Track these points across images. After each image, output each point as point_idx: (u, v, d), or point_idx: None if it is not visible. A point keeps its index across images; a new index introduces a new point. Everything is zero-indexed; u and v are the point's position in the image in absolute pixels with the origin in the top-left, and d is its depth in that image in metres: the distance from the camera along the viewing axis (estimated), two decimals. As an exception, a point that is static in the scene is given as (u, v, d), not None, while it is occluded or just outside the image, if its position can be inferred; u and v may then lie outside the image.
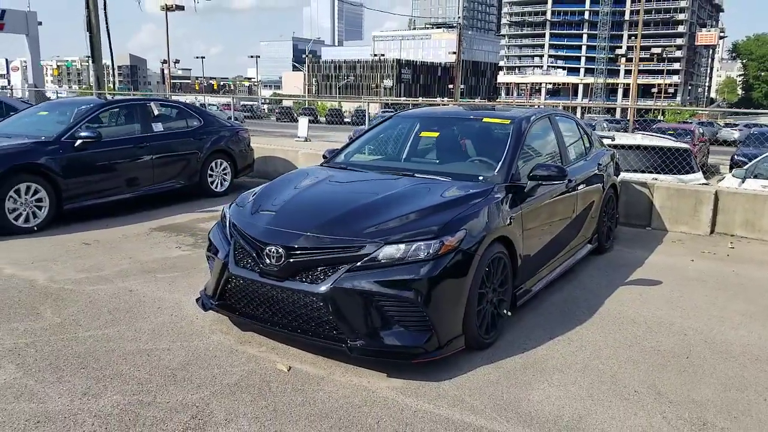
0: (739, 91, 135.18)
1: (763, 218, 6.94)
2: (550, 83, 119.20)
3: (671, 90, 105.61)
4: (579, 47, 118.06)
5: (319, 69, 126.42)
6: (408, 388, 3.30)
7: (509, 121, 4.84)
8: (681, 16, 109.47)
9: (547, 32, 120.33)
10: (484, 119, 5.08)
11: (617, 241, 6.74)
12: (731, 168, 14.42)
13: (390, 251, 3.35)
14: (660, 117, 41.66)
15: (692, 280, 5.45)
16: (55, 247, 6.04)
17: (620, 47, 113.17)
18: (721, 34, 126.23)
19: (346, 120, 49.15)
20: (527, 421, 3.01)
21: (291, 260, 3.44)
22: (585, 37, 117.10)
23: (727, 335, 4.19)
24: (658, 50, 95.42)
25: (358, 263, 3.34)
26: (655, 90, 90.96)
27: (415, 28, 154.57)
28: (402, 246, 3.36)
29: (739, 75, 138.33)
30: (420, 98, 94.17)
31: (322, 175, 4.53)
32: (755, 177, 9.02)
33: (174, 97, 18.69)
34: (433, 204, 3.74)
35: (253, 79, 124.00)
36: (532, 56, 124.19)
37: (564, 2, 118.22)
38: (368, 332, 3.33)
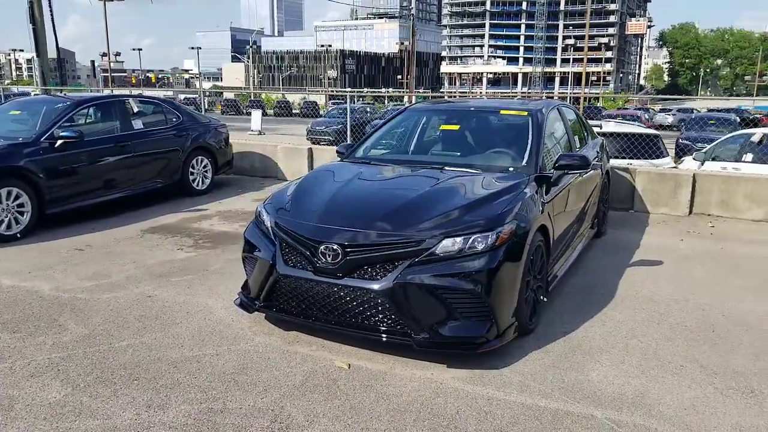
0: (666, 78, 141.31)
1: (736, 198, 7.38)
2: (491, 73, 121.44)
3: (608, 78, 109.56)
4: (518, 37, 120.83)
5: (260, 60, 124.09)
6: (472, 378, 3.37)
7: (526, 112, 4.96)
8: (612, 6, 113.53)
9: (487, 22, 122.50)
10: (502, 111, 5.18)
11: (608, 224, 7.01)
12: (677, 151, 15.14)
13: (448, 245, 3.40)
14: (599, 104, 43.24)
15: (688, 259, 5.74)
16: (46, 255, 5.77)
17: (556, 37, 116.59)
18: (649, 24, 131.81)
19: (294, 112, 48.61)
20: (596, 401, 3.13)
21: (349, 258, 3.43)
22: (523, 27, 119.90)
23: (739, 308, 4.46)
24: (604, 40, 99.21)
25: (418, 258, 3.37)
26: (594, 78, 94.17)
27: (357, 18, 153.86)
28: (459, 239, 3.41)
29: (666, 62, 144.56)
30: (365, 89, 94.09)
31: (352, 171, 4.51)
32: (714, 159, 9.51)
33: (107, 92, 17.94)
34: (480, 196, 3.81)
35: (191, 71, 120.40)
36: (473, 46, 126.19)
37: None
38: (432, 325, 3.37)
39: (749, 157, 8.82)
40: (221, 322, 4.14)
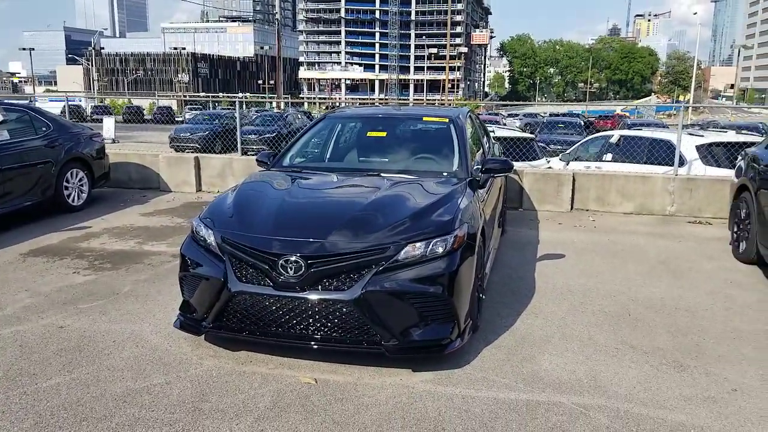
0: (507, 85, 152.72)
1: (610, 194, 8.24)
2: (349, 79, 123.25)
3: (457, 86, 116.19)
4: (373, 45, 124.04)
5: (102, 62, 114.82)
6: (440, 379, 3.44)
7: (447, 119, 5.15)
8: (458, 18, 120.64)
9: (343, 29, 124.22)
10: (424, 118, 5.32)
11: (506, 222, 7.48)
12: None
13: (410, 250, 3.43)
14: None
15: (585, 251, 6.31)
16: None
17: (409, 45, 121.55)
18: (491, 35, 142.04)
19: (146, 118, 45.69)
20: (558, 389, 3.34)
21: (313, 270, 3.34)
22: (377, 35, 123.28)
23: (643, 293, 4.99)
24: (461, 50, 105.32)
25: (383, 265, 3.38)
26: (449, 85, 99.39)
27: (208, 21, 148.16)
28: (420, 244, 3.46)
29: (506, 71, 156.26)
30: (220, 93, 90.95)
31: (289, 180, 4.39)
32: (577, 159, 10.54)
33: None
34: (430, 202, 3.88)
35: (19, 74, 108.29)
36: (330, 52, 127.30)
37: (356, 1, 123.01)
38: (401, 331, 3.39)
39: (609, 156, 9.86)
40: (158, 349, 3.83)
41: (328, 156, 5.24)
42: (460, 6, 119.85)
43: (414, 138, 5.27)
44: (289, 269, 3.35)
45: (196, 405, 3.14)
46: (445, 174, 4.54)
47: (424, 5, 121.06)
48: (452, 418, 3.04)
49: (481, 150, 5.62)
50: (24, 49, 71.33)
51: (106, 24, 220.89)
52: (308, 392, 3.29)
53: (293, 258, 3.35)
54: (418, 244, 3.47)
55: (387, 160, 4.94)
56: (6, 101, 8.17)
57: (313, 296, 3.34)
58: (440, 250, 3.48)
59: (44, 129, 7.69)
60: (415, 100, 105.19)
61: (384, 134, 5.23)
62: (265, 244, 3.46)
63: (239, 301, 3.47)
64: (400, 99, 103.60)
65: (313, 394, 3.27)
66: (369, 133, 5.28)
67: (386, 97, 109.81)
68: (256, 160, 5.14)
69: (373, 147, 5.21)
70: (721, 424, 3.00)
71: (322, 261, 3.36)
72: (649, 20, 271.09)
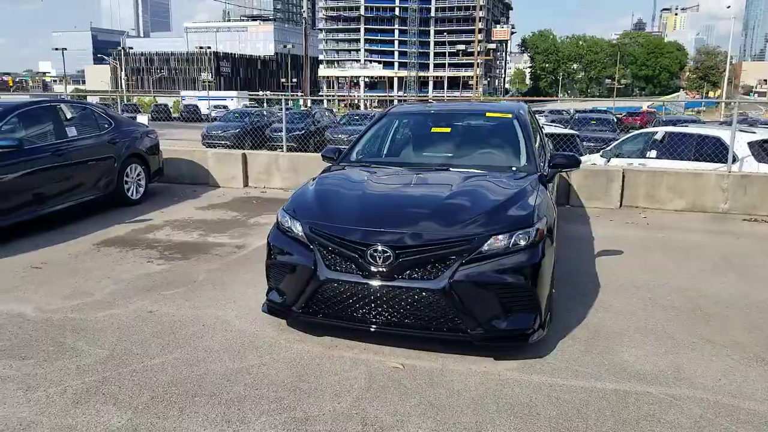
0: (528, 82, 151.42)
1: (660, 191, 8.24)
2: (368, 77, 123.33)
3: (484, 82, 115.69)
4: (392, 42, 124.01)
5: (127, 62, 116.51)
6: (524, 368, 3.53)
7: (510, 114, 5.23)
8: (480, 14, 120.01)
9: (362, 27, 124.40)
10: (487, 113, 5.41)
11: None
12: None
13: (494, 242, 3.53)
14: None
15: (642, 247, 6.33)
16: (1, 275, 5.20)
17: (428, 42, 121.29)
18: (512, 31, 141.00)
19: (174, 116, 46.42)
20: (643, 380, 3.40)
21: (401, 259, 3.45)
22: (397, 32, 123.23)
23: (710, 289, 5.00)
24: (492, 46, 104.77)
25: (469, 256, 3.48)
26: (472, 81, 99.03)
27: (230, 20, 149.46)
28: (503, 236, 3.55)
29: (528, 67, 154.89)
30: (243, 91, 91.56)
31: (363, 174, 4.50)
32: (618, 156, 10.52)
33: None
34: (508, 196, 3.96)
35: (49, 74, 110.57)
36: (350, 50, 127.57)
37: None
38: (486, 320, 3.48)
39: (653, 153, 9.83)
40: (246, 333, 3.99)
41: (394, 151, 5.35)
42: (481, 2, 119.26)
43: (479, 133, 5.36)
44: (377, 258, 3.47)
45: (295, 384, 3.29)
46: (513, 169, 4.62)
47: (443, 2, 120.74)
48: (544, 404, 3.13)
49: (539, 144, 5.69)
50: (57, 49, 73.20)
51: (131, 24, 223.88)
52: (398, 376, 3.41)
53: (382, 248, 3.47)
54: (501, 237, 3.56)
55: (454, 155, 5.01)
56: (71, 99, 8.44)
57: (402, 284, 3.46)
58: (522, 242, 3.57)
59: (106, 126, 7.93)
60: (434, 96, 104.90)
61: (448, 130, 5.32)
62: (354, 235, 3.58)
63: (328, 288, 3.60)
64: (419, 96, 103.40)
65: (403, 378, 3.39)
66: (433, 129, 5.38)
67: (405, 95, 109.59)
68: (322, 155, 5.28)
69: (438, 142, 5.30)
70: (815, 414, 3.05)
71: (410, 251, 3.47)
72: (676, 14, 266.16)
